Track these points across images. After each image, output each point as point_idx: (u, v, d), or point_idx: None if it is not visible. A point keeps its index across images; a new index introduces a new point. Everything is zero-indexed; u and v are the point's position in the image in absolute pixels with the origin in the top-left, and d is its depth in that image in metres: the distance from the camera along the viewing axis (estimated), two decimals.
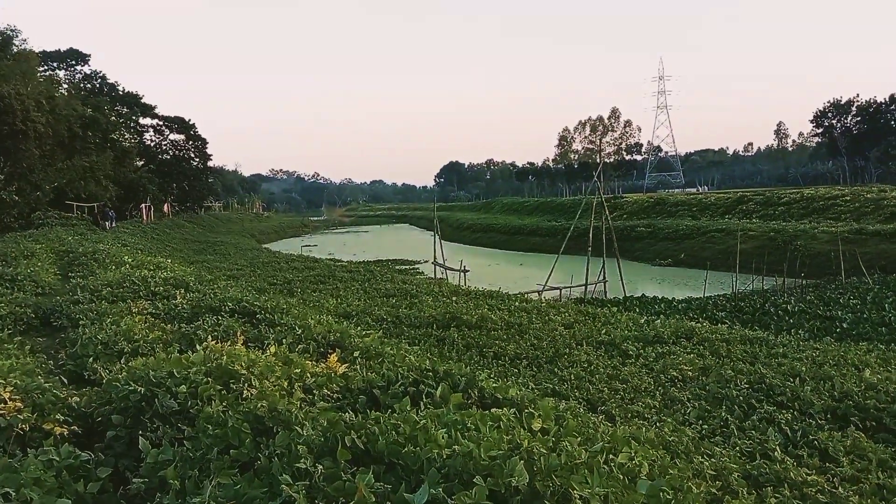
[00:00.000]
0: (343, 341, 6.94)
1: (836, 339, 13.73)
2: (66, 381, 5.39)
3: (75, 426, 4.18)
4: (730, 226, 39.91)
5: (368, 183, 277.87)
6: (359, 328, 8.69)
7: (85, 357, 6.22)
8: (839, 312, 17.79)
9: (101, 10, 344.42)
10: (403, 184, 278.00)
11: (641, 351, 10.33)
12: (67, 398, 4.50)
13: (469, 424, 3.47)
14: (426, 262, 41.64)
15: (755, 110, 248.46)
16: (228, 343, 6.14)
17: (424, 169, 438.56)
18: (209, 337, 6.32)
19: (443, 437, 3.17)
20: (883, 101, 75.54)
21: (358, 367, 5.56)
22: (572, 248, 27.95)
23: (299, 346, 6.59)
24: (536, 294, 23.60)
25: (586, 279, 25.67)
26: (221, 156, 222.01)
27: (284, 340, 6.60)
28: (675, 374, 8.65)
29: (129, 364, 4.98)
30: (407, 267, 41.14)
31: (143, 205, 52.07)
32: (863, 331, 15.52)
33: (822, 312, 17.97)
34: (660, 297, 23.11)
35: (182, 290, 9.95)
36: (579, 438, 3.60)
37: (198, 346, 6.06)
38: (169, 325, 7.55)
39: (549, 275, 25.80)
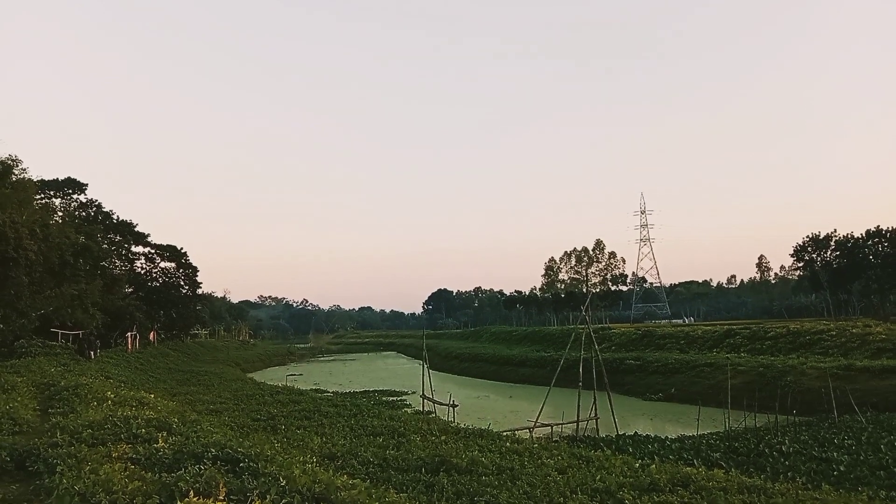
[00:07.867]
0: (328, 495, 6.70)
1: (834, 483, 13.40)
2: None
3: None
4: (718, 360, 39.80)
5: (357, 309, 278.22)
6: (344, 475, 8.41)
7: None
8: (835, 454, 17.45)
9: (101, 138, 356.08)
10: (392, 310, 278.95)
11: (637, 500, 9.98)
12: None
13: None
14: (414, 393, 40.98)
15: (737, 243, 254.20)
16: (211, 499, 5.94)
17: (412, 296, 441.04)
18: (191, 490, 6.11)
19: None
20: (860, 235, 77.50)
21: None
22: (562, 380, 27.67)
23: (283, 500, 6.36)
24: (527, 431, 23.12)
25: (577, 415, 25.21)
26: (211, 282, 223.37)
27: (268, 495, 6.37)
28: None
29: None
30: (394, 398, 40.42)
31: (129, 333, 51.56)
32: (860, 474, 15.17)
33: (817, 454, 17.62)
34: (652, 435, 22.65)
35: (164, 433, 9.68)
36: None
37: (178, 502, 5.86)
38: (149, 474, 7.28)
39: (540, 410, 25.39)
